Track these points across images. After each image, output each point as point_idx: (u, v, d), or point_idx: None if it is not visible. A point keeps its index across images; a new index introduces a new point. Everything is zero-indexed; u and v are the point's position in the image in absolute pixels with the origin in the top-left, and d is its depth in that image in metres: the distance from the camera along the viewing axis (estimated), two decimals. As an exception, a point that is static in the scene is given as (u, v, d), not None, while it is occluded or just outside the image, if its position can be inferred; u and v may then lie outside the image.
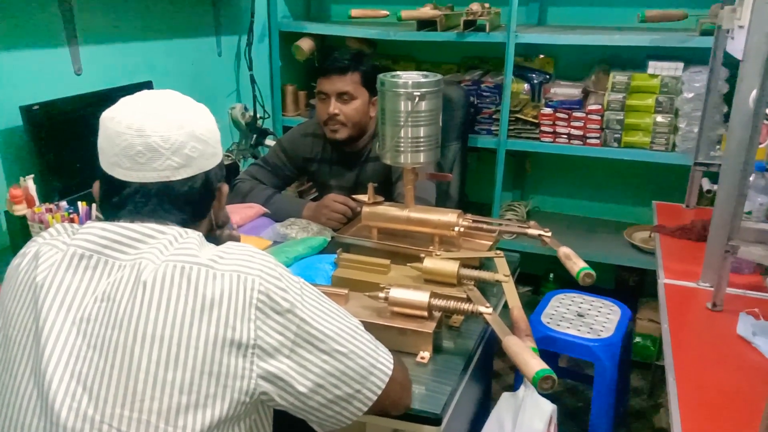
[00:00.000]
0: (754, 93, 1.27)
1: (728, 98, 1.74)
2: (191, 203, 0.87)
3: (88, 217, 1.60)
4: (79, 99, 1.82)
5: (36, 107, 1.67)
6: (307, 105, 2.96)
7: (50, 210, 1.58)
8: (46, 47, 1.83)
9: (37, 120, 1.68)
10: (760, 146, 1.36)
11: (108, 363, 0.74)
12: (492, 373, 1.89)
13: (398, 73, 1.39)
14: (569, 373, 2.26)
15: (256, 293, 0.78)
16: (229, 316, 0.76)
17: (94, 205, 1.61)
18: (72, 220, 1.57)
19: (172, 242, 0.81)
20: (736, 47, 1.49)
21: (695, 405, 1.04)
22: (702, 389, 1.09)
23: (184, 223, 0.86)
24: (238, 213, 1.72)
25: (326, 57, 1.87)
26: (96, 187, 0.88)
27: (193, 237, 0.83)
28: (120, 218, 0.83)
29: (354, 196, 1.50)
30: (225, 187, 0.95)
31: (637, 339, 2.38)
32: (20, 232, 1.60)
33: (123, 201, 0.84)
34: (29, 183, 1.64)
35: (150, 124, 0.82)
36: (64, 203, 1.62)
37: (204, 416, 0.74)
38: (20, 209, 1.60)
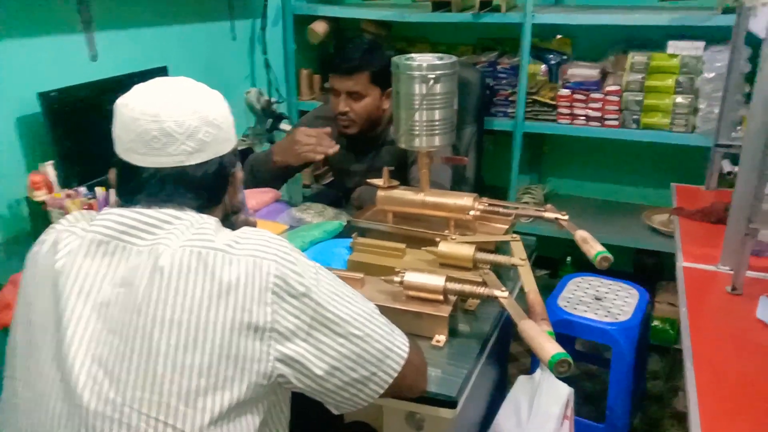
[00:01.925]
0: (777, 72, 1.24)
1: (750, 78, 1.70)
2: (206, 188, 0.87)
3: (107, 202, 1.62)
4: (95, 85, 1.83)
5: (53, 93, 1.69)
6: (322, 89, 2.95)
7: (69, 195, 1.60)
8: (62, 34, 1.85)
9: (55, 106, 1.69)
10: (783, 127, 1.33)
11: (128, 347, 0.76)
12: (509, 357, 1.89)
13: (412, 55, 1.38)
14: (586, 356, 2.26)
15: (272, 277, 0.78)
16: (246, 301, 0.77)
17: (112, 191, 1.63)
18: (90, 206, 1.59)
19: (189, 228, 0.82)
20: (759, 25, 1.46)
21: (713, 389, 1.03)
22: (720, 374, 1.08)
23: (200, 208, 0.86)
24: (254, 197, 1.73)
25: (337, 51, 1.81)
26: (112, 173, 0.89)
27: (210, 222, 0.84)
28: (137, 203, 0.84)
29: (369, 180, 1.49)
30: (240, 173, 0.96)
31: (656, 322, 2.36)
32: (41, 217, 1.62)
33: (139, 186, 0.85)
34: (48, 169, 1.66)
35: (164, 109, 0.83)
36: (83, 189, 1.64)
37: (222, 398, 0.76)
38: (40, 195, 1.62)
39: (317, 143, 1.71)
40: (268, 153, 1.82)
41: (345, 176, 1.99)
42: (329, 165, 2.07)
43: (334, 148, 1.71)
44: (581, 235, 1.26)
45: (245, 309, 0.77)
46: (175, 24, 2.27)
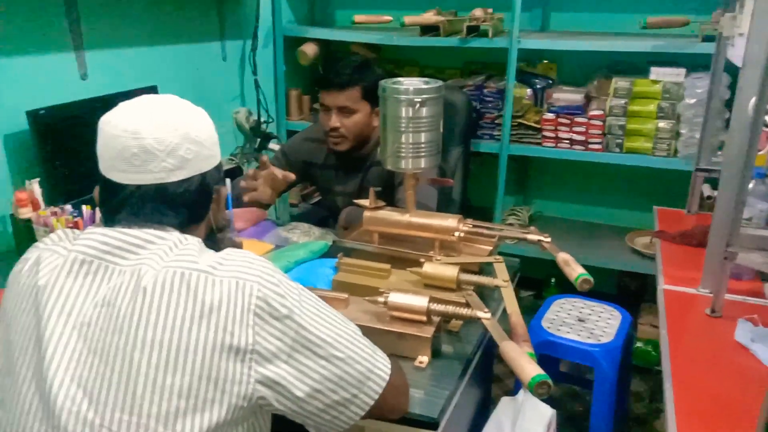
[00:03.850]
0: (753, 100, 1.27)
1: (730, 104, 1.74)
2: (188, 205, 0.87)
3: (92, 220, 1.62)
4: (84, 103, 1.84)
5: (42, 112, 1.69)
6: (311, 109, 2.98)
7: (55, 213, 1.60)
8: (52, 52, 1.86)
9: (43, 124, 1.70)
10: (760, 153, 1.37)
11: (108, 367, 0.76)
12: (492, 378, 1.90)
13: (399, 79, 1.40)
14: (570, 377, 2.26)
15: (254, 299, 0.79)
16: (228, 322, 0.77)
17: (98, 209, 1.63)
18: (76, 224, 1.59)
19: (172, 248, 0.82)
20: (736, 54, 1.50)
21: (692, 411, 1.04)
22: (699, 395, 1.09)
23: (182, 226, 0.86)
24: (240, 217, 1.74)
25: (328, 68, 1.83)
26: (96, 192, 0.89)
27: (193, 243, 0.85)
28: (118, 221, 0.85)
29: (356, 201, 1.51)
30: (224, 190, 0.96)
31: (639, 344, 2.38)
32: (25, 235, 1.61)
33: (120, 204, 0.85)
34: (35, 187, 1.66)
35: (145, 126, 0.83)
36: (68, 207, 1.64)
37: (202, 420, 0.76)
38: (25, 212, 1.62)
39: (260, 184, 1.74)
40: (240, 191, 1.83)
41: (333, 196, 2.00)
42: (317, 185, 2.09)
43: (289, 177, 1.75)
44: (563, 257, 1.27)
45: (227, 330, 0.77)
46: (165, 44, 2.29)
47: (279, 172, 1.74)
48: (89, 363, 0.76)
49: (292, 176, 1.77)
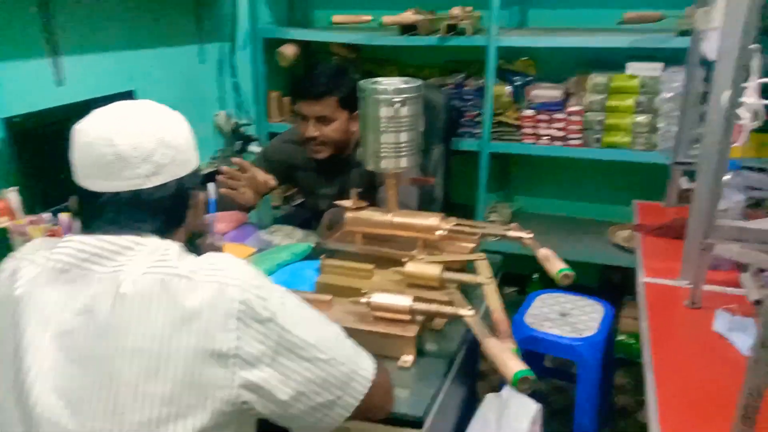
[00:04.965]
0: (726, 93, 1.29)
1: (706, 98, 1.76)
2: (164, 211, 0.86)
3: (71, 228, 1.60)
4: (61, 110, 1.82)
5: (18, 119, 1.67)
6: (292, 111, 2.97)
7: (33, 222, 1.58)
8: (27, 58, 1.83)
9: (19, 131, 1.68)
10: (735, 145, 1.39)
11: (88, 376, 0.75)
12: (478, 375, 1.90)
13: (378, 79, 1.40)
14: (554, 372, 2.28)
15: (236, 303, 0.78)
16: (210, 327, 0.76)
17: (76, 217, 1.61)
18: (54, 233, 1.57)
19: (151, 253, 0.82)
20: (709, 48, 1.52)
21: (674, 401, 1.06)
22: (680, 386, 1.11)
23: (160, 232, 0.85)
24: (221, 221, 1.73)
25: (304, 77, 1.81)
26: (73, 201, 0.88)
27: (173, 248, 0.84)
28: (96, 229, 0.83)
29: (337, 202, 1.51)
30: (202, 195, 0.95)
31: (622, 337, 2.40)
32: (2, 245, 1.59)
33: (97, 211, 0.84)
34: (11, 195, 1.64)
35: (119, 133, 0.82)
36: (47, 215, 1.62)
37: (185, 427, 0.75)
38: (2, 222, 1.60)
39: (242, 185, 1.75)
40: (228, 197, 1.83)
41: (315, 198, 1.99)
42: (298, 187, 2.08)
43: (269, 182, 1.77)
44: (543, 253, 1.28)
45: (209, 336, 0.76)
46: (143, 47, 2.27)
47: (261, 175, 1.74)
48: (69, 372, 0.76)
49: (272, 182, 1.76)
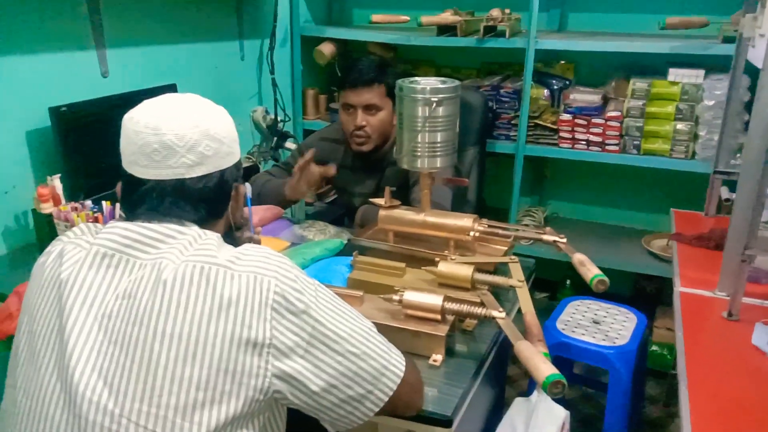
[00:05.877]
0: (773, 102, 1.26)
1: (749, 106, 1.72)
2: (206, 201, 0.89)
3: (112, 216, 1.64)
4: (105, 101, 1.86)
5: (64, 109, 1.72)
6: (328, 109, 2.99)
7: (75, 209, 1.63)
8: (74, 50, 1.88)
9: (65, 121, 1.72)
10: (780, 155, 1.35)
11: (128, 359, 0.77)
12: (506, 379, 1.89)
13: (416, 78, 1.41)
14: (584, 380, 2.25)
15: (272, 294, 0.80)
16: (246, 316, 0.78)
17: (117, 205, 1.65)
18: (96, 219, 1.62)
19: (192, 243, 0.84)
20: (756, 55, 1.48)
21: (707, 414, 1.04)
22: (714, 399, 1.08)
23: (201, 222, 0.88)
24: (256, 214, 1.75)
25: (350, 68, 1.84)
26: (119, 187, 0.91)
27: (212, 238, 0.86)
28: (138, 215, 0.86)
29: (371, 200, 1.52)
30: (242, 188, 0.97)
31: (654, 347, 2.36)
32: (46, 229, 1.64)
33: (140, 198, 0.87)
34: (56, 182, 1.69)
35: (166, 123, 0.85)
36: (88, 202, 1.66)
37: (219, 413, 0.77)
38: (47, 207, 1.65)
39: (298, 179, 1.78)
40: (280, 185, 1.86)
41: (350, 196, 2.01)
42: (333, 184, 2.10)
43: (329, 171, 1.80)
44: (579, 258, 1.27)
45: (244, 324, 0.78)
46: (185, 42, 2.31)
47: (317, 168, 1.77)
48: (110, 354, 0.78)
49: (332, 170, 1.79)
